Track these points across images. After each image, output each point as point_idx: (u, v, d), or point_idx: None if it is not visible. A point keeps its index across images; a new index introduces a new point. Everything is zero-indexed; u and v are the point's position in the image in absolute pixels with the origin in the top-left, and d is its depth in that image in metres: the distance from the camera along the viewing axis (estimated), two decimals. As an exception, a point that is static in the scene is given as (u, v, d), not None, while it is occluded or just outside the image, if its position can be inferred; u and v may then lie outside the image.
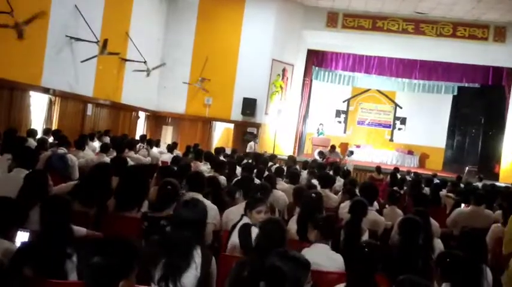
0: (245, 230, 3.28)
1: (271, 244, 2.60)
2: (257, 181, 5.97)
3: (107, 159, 6.26)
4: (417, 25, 14.35)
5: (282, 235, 2.74)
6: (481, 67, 15.48)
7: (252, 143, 13.27)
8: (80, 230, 3.08)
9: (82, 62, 10.03)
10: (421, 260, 3.17)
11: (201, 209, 2.75)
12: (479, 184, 10.21)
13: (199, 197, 4.06)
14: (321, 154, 12.55)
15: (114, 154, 7.14)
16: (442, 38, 14.29)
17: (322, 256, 3.20)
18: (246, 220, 3.48)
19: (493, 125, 16.18)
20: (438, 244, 3.93)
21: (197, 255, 2.58)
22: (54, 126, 9.50)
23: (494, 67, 15.25)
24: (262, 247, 2.66)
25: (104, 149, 7.35)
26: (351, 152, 13.59)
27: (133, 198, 3.75)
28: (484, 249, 3.36)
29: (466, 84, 16.46)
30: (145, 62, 12.29)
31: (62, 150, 6.17)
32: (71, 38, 9.79)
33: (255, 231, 3.17)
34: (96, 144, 8.78)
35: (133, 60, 12.11)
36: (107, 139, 9.18)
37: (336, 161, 11.54)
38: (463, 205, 6.52)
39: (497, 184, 11.63)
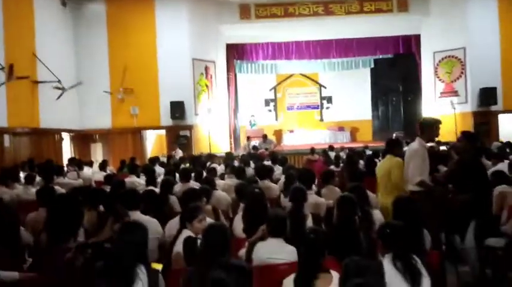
0: (191, 244, 3.19)
1: (215, 252, 2.58)
2: (196, 185, 5.92)
3: (33, 191, 5.87)
4: (326, 6, 14.81)
5: (225, 241, 2.71)
6: (391, 38, 16.30)
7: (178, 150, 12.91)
8: (11, 275, 2.84)
9: (-11, 91, 9.33)
10: (363, 235, 3.27)
11: (141, 231, 2.71)
12: (406, 148, 10.77)
13: (137, 213, 3.94)
14: (254, 148, 12.68)
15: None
16: (351, 16, 14.88)
17: (277, 249, 3.24)
18: (187, 232, 3.39)
19: (411, 91, 17.21)
20: (377, 215, 4.09)
21: (142, 273, 2.56)
22: (-32, 165, 8.74)
23: (402, 36, 16.12)
24: (207, 255, 2.61)
25: (29, 180, 6.90)
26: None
27: (66, 229, 3.53)
28: (418, 212, 3.44)
29: (381, 56, 17.30)
30: (59, 81, 11.64)
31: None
32: (-29, 68, 9.04)
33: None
34: (21, 176, 8.20)
35: (45, 81, 11.40)
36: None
37: (272, 151, 11.68)
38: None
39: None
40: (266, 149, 12.67)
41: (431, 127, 4.91)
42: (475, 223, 4.43)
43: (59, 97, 11.70)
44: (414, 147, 4.85)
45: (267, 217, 3.34)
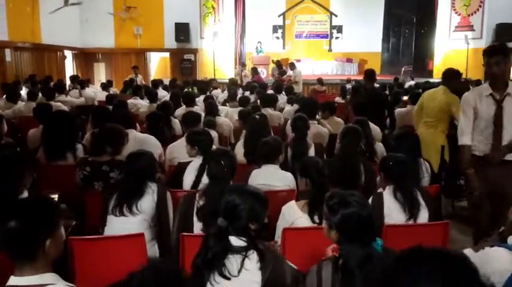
0: None
1: (221, 176, 2.58)
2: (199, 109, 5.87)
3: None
4: None
5: (232, 166, 2.68)
6: (411, -36, 15.41)
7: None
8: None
9: (-14, 3, 8.98)
10: (364, 167, 3.26)
11: (147, 157, 2.79)
12: (412, 83, 10.60)
13: (133, 132, 3.94)
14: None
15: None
16: None
17: (273, 175, 3.22)
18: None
19: (425, 23, 16.50)
20: (380, 148, 4.06)
21: (152, 184, 2.71)
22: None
23: (423, -37, 15.24)
24: (216, 177, 2.61)
25: (31, 96, 6.84)
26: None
27: (63, 145, 3.54)
28: (419, 146, 3.42)
29: (397, -16, 16.43)
30: (60, -6, 11.20)
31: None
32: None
33: None
34: (23, 92, 8.13)
35: (46, -5, 10.99)
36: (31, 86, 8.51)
37: (279, 80, 11.36)
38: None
39: (431, 80, 12.15)
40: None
41: None
42: None
43: (54, 11, 11.24)
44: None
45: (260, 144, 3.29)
